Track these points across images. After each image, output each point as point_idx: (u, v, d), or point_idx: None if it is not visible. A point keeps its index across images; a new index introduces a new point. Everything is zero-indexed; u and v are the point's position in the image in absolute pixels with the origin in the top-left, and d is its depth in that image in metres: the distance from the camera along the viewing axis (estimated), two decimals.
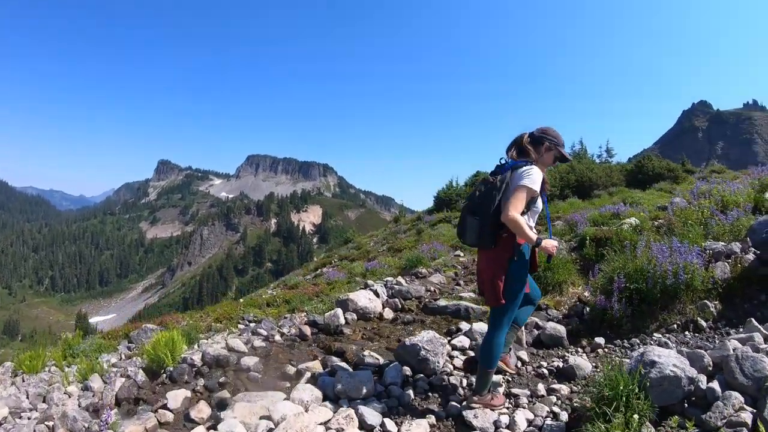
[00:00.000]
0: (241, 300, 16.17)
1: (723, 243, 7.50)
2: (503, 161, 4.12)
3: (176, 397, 4.81)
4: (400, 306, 8.10)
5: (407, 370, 5.37)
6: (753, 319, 5.84)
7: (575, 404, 4.81)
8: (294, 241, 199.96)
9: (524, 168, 3.88)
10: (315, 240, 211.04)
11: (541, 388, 5.20)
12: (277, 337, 7.03)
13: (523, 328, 6.16)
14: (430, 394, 5.13)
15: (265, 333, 7.19)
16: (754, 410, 3.69)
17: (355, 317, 7.56)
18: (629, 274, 6.63)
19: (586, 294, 8.08)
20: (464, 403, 4.68)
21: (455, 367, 5.65)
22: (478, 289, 4.85)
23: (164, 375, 5.34)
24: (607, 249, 9.03)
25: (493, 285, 4.06)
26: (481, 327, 6.59)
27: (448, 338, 6.64)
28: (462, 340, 6.30)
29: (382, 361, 5.61)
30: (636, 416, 3.66)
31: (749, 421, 3.58)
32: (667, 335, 6.34)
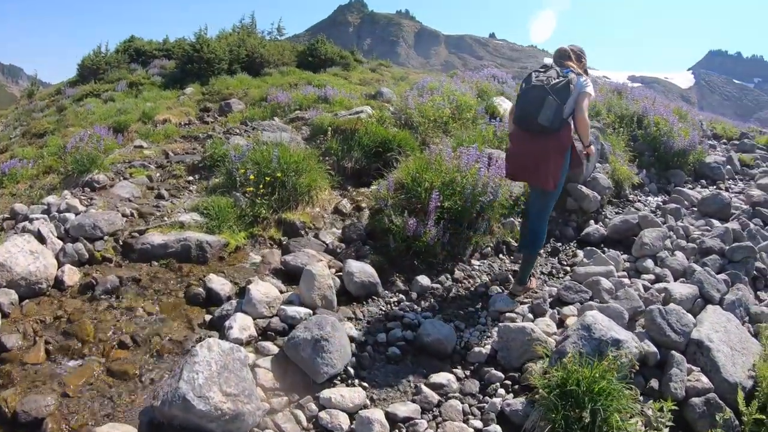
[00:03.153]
0: None
1: (491, 150, 6.54)
2: (553, 68, 4.06)
3: None
4: (87, 255, 4.40)
5: None
6: (598, 250, 5.00)
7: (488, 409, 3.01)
8: None
9: (585, 78, 4.05)
10: None
11: (426, 390, 3.11)
12: None
13: None
14: None
15: None
16: (697, 368, 3.33)
17: (16, 297, 3.58)
18: (441, 188, 4.93)
19: (345, 203, 6.17)
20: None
21: (265, 389, 2.92)
22: (513, 171, 4.33)
23: None
24: (354, 142, 7.23)
25: (556, 168, 3.99)
26: (268, 290, 3.86)
27: (208, 318, 3.71)
28: (243, 322, 3.47)
29: None
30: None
31: (710, 384, 3.20)
32: (482, 261, 5.04)
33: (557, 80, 3.86)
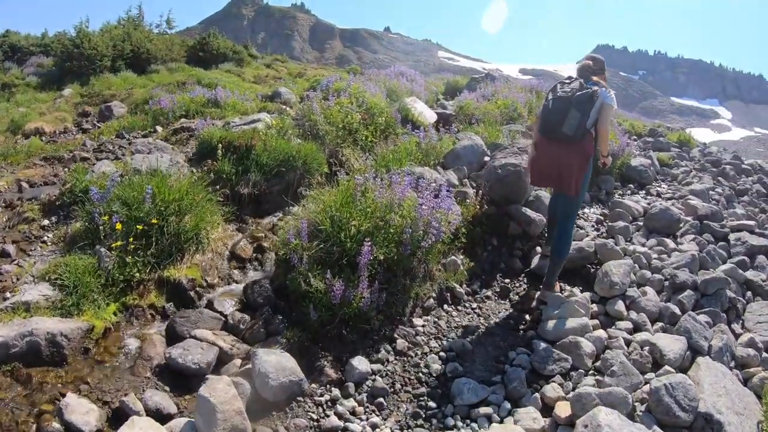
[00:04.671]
0: None
1: (420, 168, 5.59)
2: (578, 81, 4.17)
3: None
4: None
5: None
6: (560, 295, 4.19)
7: None
8: None
9: (609, 90, 4.13)
10: None
11: None
12: None
13: None
14: None
15: None
16: None
17: None
18: (373, 233, 3.90)
19: (244, 244, 4.99)
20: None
21: None
22: (537, 177, 4.47)
23: None
24: (251, 161, 5.97)
25: (578, 175, 4.11)
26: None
27: None
28: None
29: None
30: None
31: None
32: (426, 319, 4.09)
33: (581, 92, 4.01)
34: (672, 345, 3.48)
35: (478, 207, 5.07)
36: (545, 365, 3.39)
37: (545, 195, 5.52)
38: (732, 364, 3.68)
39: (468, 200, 5.07)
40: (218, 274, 4.63)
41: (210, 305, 4.01)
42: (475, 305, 4.41)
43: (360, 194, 4.23)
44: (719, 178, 7.69)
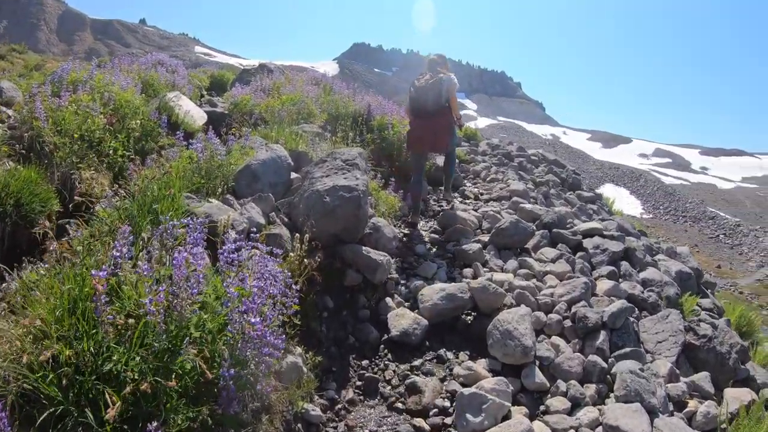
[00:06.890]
0: None
1: (208, 205, 3.63)
2: (429, 74, 5.44)
3: None
4: None
5: None
6: (476, 392, 2.79)
7: None
8: None
9: (452, 75, 5.44)
10: None
11: None
12: None
13: None
14: None
15: None
16: None
17: None
18: (154, 390, 1.95)
19: None
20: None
21: None
22: (416, 144, 5.47)
23: None
24: None
25: (448, 138, 5.45)
26: None
27: None
28: None
29: None
30: None
31: None
32: None
33: (432, 81, 5.30)
34: (636, 421, 2.62)
35: (304, 257, 3.39)
36: None
37: (383, 223, 4.17)
38: (671, 408, 2.96)
39: (291, 251, 3.35)
40: None
41: None
42: (341, 426, 2.80)
43: (114, 290, 2.19)
44: (520, 172, 7.40)
